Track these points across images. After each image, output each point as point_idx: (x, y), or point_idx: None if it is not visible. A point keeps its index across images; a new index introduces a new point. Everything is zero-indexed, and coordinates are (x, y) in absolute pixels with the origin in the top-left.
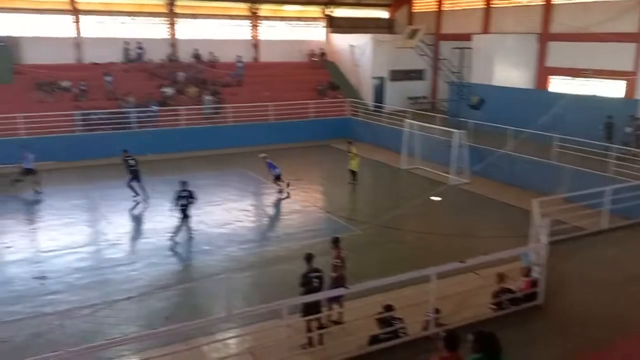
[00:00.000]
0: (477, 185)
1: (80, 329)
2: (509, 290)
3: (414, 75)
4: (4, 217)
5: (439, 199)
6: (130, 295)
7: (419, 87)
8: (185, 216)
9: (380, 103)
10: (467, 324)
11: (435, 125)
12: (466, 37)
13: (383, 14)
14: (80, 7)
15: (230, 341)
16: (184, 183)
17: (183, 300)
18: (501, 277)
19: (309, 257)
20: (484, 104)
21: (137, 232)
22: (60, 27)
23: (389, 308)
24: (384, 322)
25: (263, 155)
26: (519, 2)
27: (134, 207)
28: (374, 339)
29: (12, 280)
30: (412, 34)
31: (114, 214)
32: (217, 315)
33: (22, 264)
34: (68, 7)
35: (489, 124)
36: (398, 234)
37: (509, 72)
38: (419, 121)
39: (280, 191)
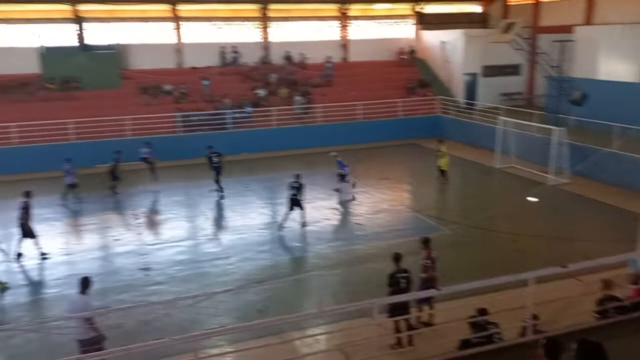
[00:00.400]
0: (578, 185)
1: (182, 318)
2: (616, 298)
3: (509, 70)
4: (111, 212)
5: (535, 199)
6: (228, 288)
7: (513, 83)
8: (294, 206)
9: (472, 100)
10: (568, 332)
11: (532, 122)
12: (567, 29)
13: (476, 8)
14: (181, 14)
15: (320, 337)
16: (297, 175)
17: (275, 295)
18: (607, 284)
19: (396, 257)
20: (587, 99)
21: (232, 227)
22: (163, 34)
23: (483, 312)
24: (477, 326)
25: (334, 154)
26: None
27: (219, 199)
28: (465, 343)
29: (120, 271)
30: (508, 28)
31: (211, 210)
32: (308, 311)
33: (128, 255)
34: (170, 14)
35: (592, 120)
36: (491, 236)
37: (615, 66)
38: (513, 118)
39: (337, 190)
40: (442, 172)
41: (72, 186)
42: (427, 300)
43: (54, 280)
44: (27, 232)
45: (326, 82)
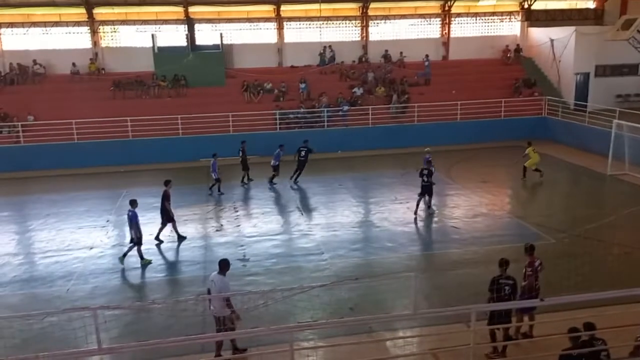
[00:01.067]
0: None
1: (277, 309)
2: None
3: (626, 70)
4: (212, 204)
5: None
6: (323, 283)
7: (631, 84)
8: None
9: (583, 101)
10: None
11: None
12: None
13: (589, 3)
14: (283, 14)
15: (412, 339)
16: (305, 141)
17: (367, 293)
18: None
19: (502, 263)
20: None
21: (326, 224)
22: (265, 33)
23: (589, 327)
24: (582, 342)
25: (427, 149)
26: None
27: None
28: (565, 358)
29: None
30: (627, 24)
31: (306, 207)
32: (401, 312)
33: (228, 246)
34: (273, 15)
35: None
36: (600, 247)
37: None
38: (630, 121)
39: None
40: (525, 171)
41: (217, 180)
42: (528, 311)
43: (160, 265)
44: (169, 218)
45: (425, 81)
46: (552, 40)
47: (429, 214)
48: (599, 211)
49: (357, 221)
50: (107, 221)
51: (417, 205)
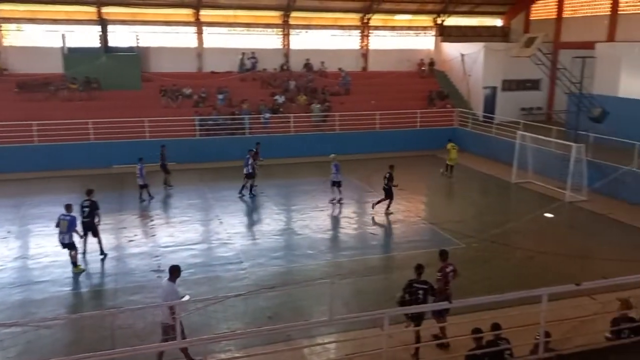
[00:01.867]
0: (597, 203)
1: (192, 321)
2: (631, 319)
3: (529, 85)
4: (128, 213)
5: (551, 215)
6: (239, 293)
7: (533, 98)
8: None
9: (491, 113)
10: (580, 352)
11: (551, 137)
12: (589, 45)
13: (497, 22)
14: (203, 19)
15: (330, 346)
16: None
17: (286, 301)
18: (627, 304)
19: (418, 268)
20: (607, 116)
21: (246, 232)
22: (185, 38)
23: (495, 327)
24: (488, 341)
25: (333, 155)
26: None
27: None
28: (471, 358)
29: (134, 272)
30: (529, 42)
31: (226, 215)
32: (318, 319)
33: (142, 257)
34: (192, 19)
35: (612, 138)
36: (506, 251)
37: (637, 83)
38: (532, 133)
39: (333, 199)
40: (447, 167)
41: (143, 187)
42: (438, 314)
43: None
44: (93, 232)
45: (345, 90)
46: (462, 55)
47: (387, 214)
48: (505, 217)
49: (278, 229)
50: (8, 232)
51: (379, 203)
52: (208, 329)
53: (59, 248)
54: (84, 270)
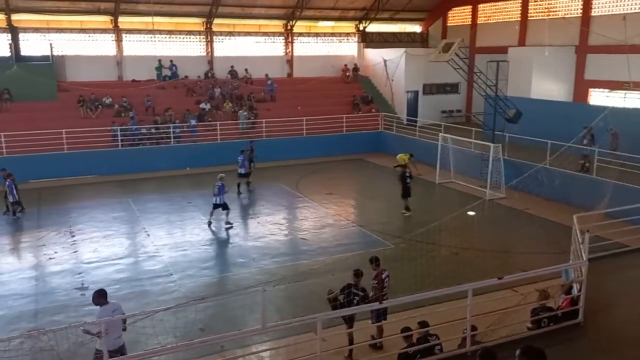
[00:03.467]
0: (514, 200)
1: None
2: (549, 308)
3: (448, 88)
4: (46, 229)
5: (473, 213)
6: (168, 307)
7: (453, 101)
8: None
9: (414, 117)
10: (505, 342)
11: (470, 138)
12: (502, 49)
13: (416, 28)
14: (122, 26)
15: (264, 354)
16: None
17: (218, 312)
18: (544, 294)
19: (358, 273)
20: (521, 117)
21: (174, 244)
22: (103, 45)
23: (423, 324)
24: (419, 338)
25: (220, 176)
26: (556, 15)
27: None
28: (403, 356)
29: (55, 291)
30: (447, 48)
31: (152, 227)
32: (251, 328)
33: (64, 274)
34: (110, 26)
35: (526, 137)
36: (432, 249)
37: (547, 85)
38: (453, 135)
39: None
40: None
41: (16, 204)
42: (377, 318)
43: None
44: None
45: (270, 97)
46: (385, 61)
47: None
48: (430, 216)
49: (208, 239)
50: None
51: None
52: (139, 346)
53: None
54: None
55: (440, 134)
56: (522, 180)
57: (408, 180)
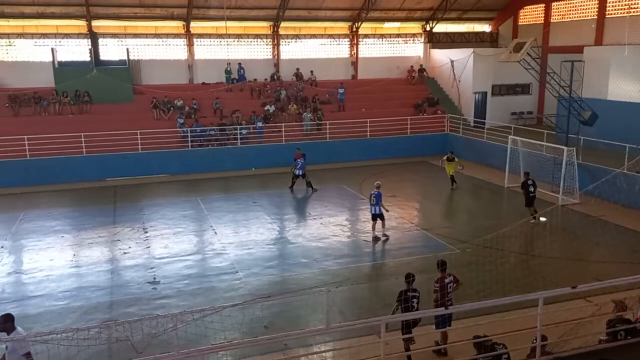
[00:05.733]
0: (589, 206)
1: (189, 332)
2: (626, 320)
3: (519, 89)
4: (121, 225)
5: (544, 219)
6: (235, 303)
7: (523, 102)
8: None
9: (482, 118)
10: (577, 354)
11: (542, 141)
12: (577, 49)
13: (485, 27)
14: (193, 31)
15: (327, 354)
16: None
17: (282, 311)
18: (621, 305)
19: (408, 277)
20: (597, 119)
21: (239, 242)
22: (175, 50)
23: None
24: (483, 347)
25: (377, 184)
26: (637, 12)
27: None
28: None
29: (129, 284)
30: (518, 47)
31: (219, 225)
32: (315, 327)
33: (137, 269)
34: (182, 31)
35: (602, 141)
36: (500, 255)
37: (626, 86)
38: (523, 137)
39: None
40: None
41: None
42: (441, 324)
43: (62, 292)
44: None
45: (339, 107)
46: (452, 61)
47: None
48: (498, 221)
49: (272, 238)
50: (1, 247)
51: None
52: (205, 340)
53: (54, 262)
54: None
55: (510, 136)
56: (598, 185)
57: (532, 189)
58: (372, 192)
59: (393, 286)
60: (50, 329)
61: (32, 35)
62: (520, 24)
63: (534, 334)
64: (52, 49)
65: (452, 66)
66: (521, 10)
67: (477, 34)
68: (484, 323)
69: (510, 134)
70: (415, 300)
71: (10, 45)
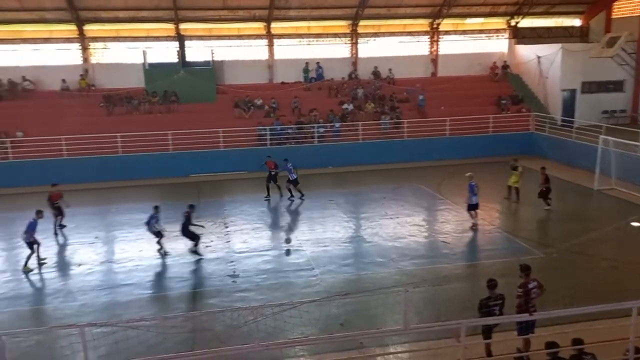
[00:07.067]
0: None
1: (267, 325)
2: None
3: (611, 86)
4: (203, 220)
5: (638, 224)
6: (313, 299)
7: (616, 100)
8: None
9: (570, 117)
10: None
11: (636, 142)
12: None
13: (575, 22)
14: (274, 32)
15: (403, 355)
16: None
17: (358, 309)
18: None
19: (491, 283)
20: None
21: (315, 240)
22: (256, 50)
23: (578, 342)
24: (572, 356)
25: (469, 174)
26: None
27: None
28: None
29: (211, 276)
30: (611, 42)
31: (296, 222)
32: (392, 327)
33: (218, 262)
34: (263, 32)
35: None
36: (589, 261)
37: None
38: (616, 137)
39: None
40: (509, 190)
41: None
42: (523, 332)
43: (149, 281)
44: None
45: (418, 112)
46: (538, 57)
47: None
48: (587, 225)
49: (348, 236)
50: (96, 238)
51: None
52: (283, 334)
53: (143, 253)
54: (31, 270)
55: (601, 136)
56: None
57: None
58: (471, 183)
59: (473, 289)
60: (139, 316)
61: (124, 39)
62: (613, 17)
63: (627, 345)
64: (143, 51)
65: (539, 62)
66: (615, 3)
67: (565, 28)
68: (570, 331)
69: (601, 133)
70: (497, 309)
71: (105, 48)
